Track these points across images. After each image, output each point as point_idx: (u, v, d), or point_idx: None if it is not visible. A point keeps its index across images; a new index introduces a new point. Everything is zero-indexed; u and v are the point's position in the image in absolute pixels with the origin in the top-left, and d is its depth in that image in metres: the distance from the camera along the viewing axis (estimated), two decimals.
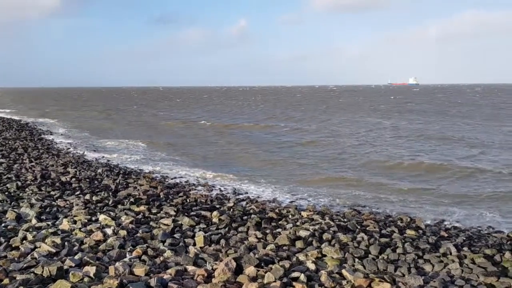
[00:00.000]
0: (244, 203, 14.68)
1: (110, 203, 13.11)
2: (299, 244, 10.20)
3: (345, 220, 12.53)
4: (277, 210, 13.42)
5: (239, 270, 7.96)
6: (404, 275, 8.52)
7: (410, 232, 11.46)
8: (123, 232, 10.22)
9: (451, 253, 9.76)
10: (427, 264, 9.24)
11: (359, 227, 11.74)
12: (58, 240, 9.33)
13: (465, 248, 10.18)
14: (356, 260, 9.29)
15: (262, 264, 8.51)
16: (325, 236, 10.69)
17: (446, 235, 11.57)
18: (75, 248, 9.10)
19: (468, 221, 13.55)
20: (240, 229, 11.31)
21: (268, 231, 11.09)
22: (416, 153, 26.05)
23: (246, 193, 16.93)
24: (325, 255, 9.53)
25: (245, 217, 12.35)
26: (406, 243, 10.34)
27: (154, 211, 12.55)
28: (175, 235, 10.39)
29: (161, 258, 8.81)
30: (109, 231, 10.24)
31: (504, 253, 9.81)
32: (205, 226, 11.45)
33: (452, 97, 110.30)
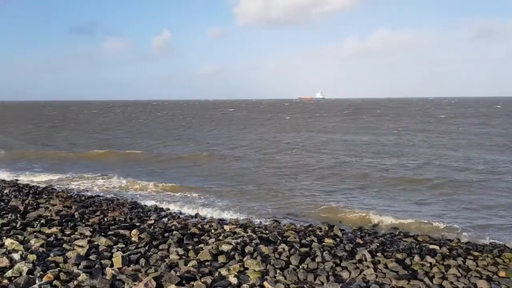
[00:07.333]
0: (165, 219, 14.32)
1: (18, 225, 12.12)
2: (221, 258, 10.12)
3: (267, 232, 12.69)
4: (199, 225, 13.25)
5: None
6: (323, 284, 8.76)
7: (328, 241, 11.86)
8: (32, 257, 9.46)
9: (366, 259, 10.23)
10: (344, 271, 9.59)
11: (280, 238, 11.93)
12: None
13: (379, 254, 10.71)
14: (278, 271, 9.40)
15: (184, 282, 8.30)
16: (248, 249, 10.72)
17: (361, 242, 12.12)
18: None
19: (382, 228, 14.32)
20: (161, 246, 10.98)
21: (190, 247, 10.89)
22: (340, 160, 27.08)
23: (168, 209, 16.55)
24: (247, 268, 9.53)
25: (166, 234, 12.03)
26: (325, 251, 10.67)
27: (67, 232, 11.79)
28: (90, 257, 9.82)
29: (75, 282, 8.26)
30: (16, 256, 9.41)
31: (414, 257, 10.50)
32: (123, 245, 10.96)
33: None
